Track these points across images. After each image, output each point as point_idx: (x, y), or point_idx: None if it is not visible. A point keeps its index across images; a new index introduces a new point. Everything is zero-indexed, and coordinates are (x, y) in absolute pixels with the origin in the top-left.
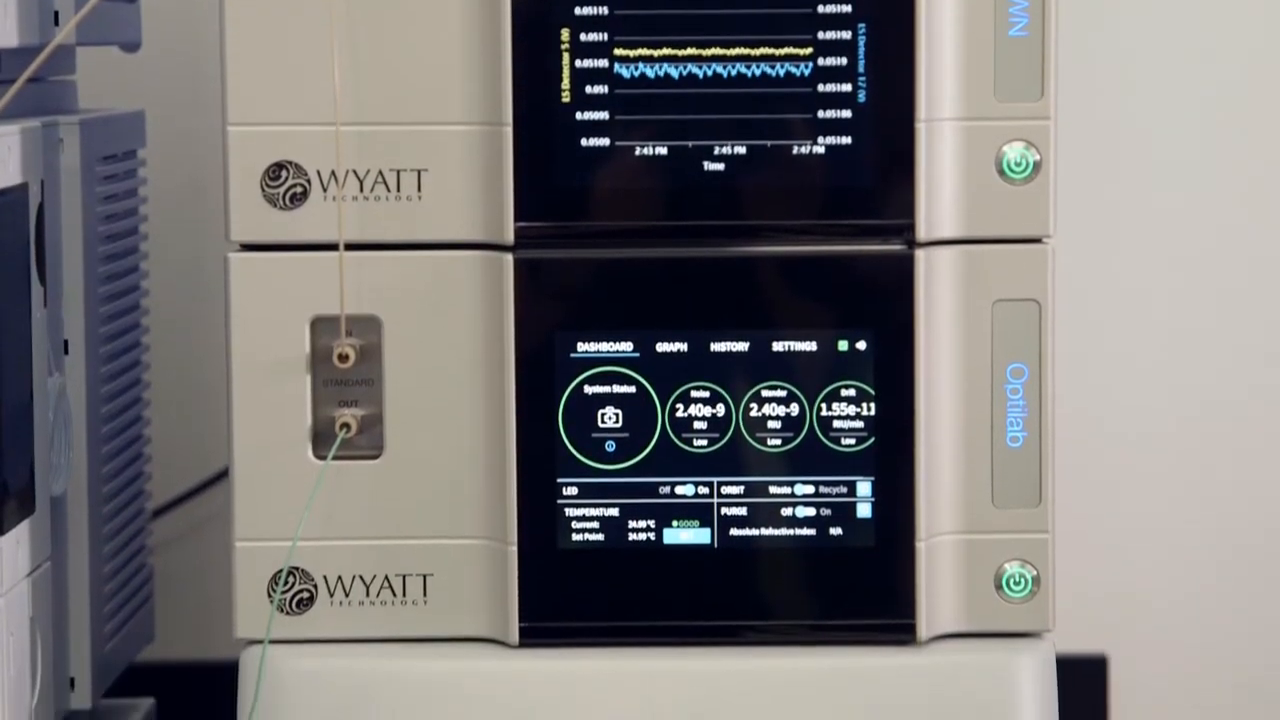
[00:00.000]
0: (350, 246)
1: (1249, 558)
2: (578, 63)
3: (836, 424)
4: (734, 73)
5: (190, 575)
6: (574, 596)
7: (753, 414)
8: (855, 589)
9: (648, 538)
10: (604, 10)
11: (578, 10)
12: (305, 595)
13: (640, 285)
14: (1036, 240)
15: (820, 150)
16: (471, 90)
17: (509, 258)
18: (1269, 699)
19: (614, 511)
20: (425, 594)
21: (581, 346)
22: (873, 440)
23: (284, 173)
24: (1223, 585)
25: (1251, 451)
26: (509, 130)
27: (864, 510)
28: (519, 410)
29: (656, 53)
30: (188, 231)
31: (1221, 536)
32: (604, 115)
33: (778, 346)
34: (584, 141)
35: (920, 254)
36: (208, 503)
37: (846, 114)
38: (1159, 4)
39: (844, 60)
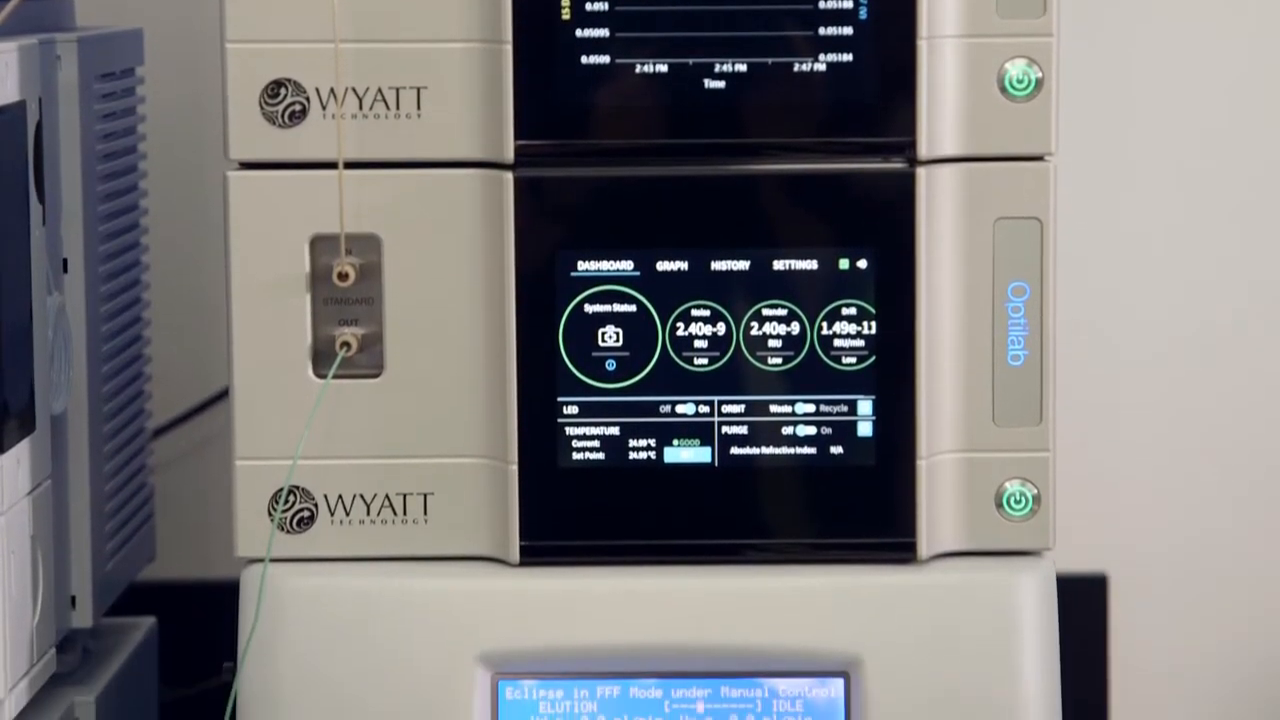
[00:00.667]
0: (349, 165)
1: (1250, 476)
2: None
3: (837, 343)
4: None
5: (191, 495)
6: (574, 515)
7: (753, 333)
8: (856, 507)
9: (648, 456)
10: None
11: None
12: (306, 514)
13: (641, 204)
14: (1038, 158)
15: (821, 68)
16: (471, 7)
17: (509, 176)
18: (1269, 618)
19: (614, 430)
20: (426, 513)
21: (582, 265)
22: (873, 359)
23: (283, 90)
24: (1223, 504)
25: (1253, 370)
26: (509, 48)
27: (864, 429)
28: (519, 329)
29: None
30: (187, 150)
31: (1222, 455)
32: (604, 32)
33: (778, 265)
34: (584, 59)
35: (921, 172)
36: (208, 423)
37: (848, 31)
38: None
39: None
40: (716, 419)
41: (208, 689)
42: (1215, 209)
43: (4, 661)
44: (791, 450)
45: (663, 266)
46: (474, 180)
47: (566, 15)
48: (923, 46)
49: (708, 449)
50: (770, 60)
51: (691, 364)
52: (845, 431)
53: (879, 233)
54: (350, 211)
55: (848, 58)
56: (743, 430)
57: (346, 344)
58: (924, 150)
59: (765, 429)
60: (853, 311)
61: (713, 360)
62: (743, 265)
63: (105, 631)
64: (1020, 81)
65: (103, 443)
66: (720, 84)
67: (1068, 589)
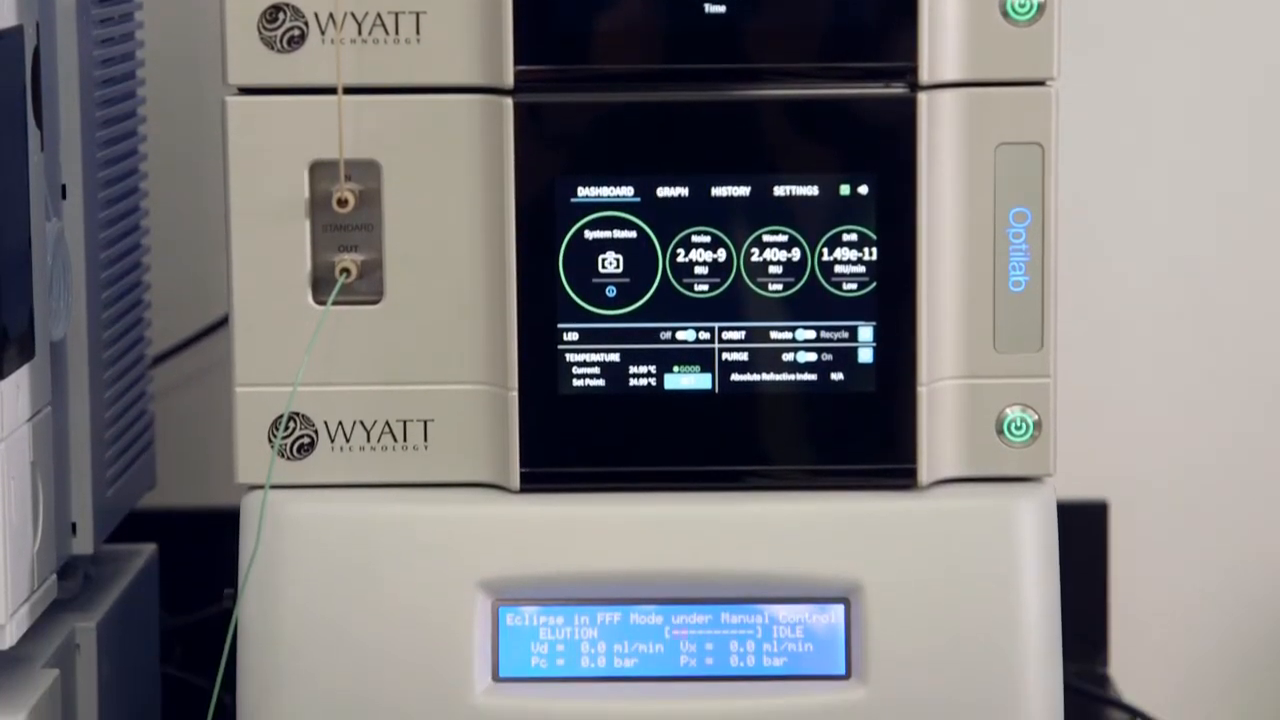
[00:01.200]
0: (349, 90)
1: (1252, 403)
2: None
3: (838, 269)
4: None
5: (191, 422)
6: (575, 442)
7: (754, 259)
8: (856, 434)
9: (648, 383)
10: None
11: None
12: (306, 441)
13: (641, 129)
14: (1040, 83)
15: None
16: None
17: (508, 101)
18: (1270, 544)
19: (615, 357)
20: (426, 439)
21: (582, 191)
22: (874, 285)
23: (281, 15)
24: (1224, 431)
25: (1257, 298)
26: None
27: (865, 355)
28: (519, 256)
29: None
30: (185, 76)
31: (1224, 382)
32: None
33: (779, 191)
34: None
35: (923, 97)
36: (208, 350)
37: None
38: None
39: None
40: (717, 345)
41: (208, 616)
42: (1220, 136)
43: (5, 587)
44: (792, 376)
45: (663, 192)
46: (473, 106)
47: None
48: None
49: (708, 375)
50: None
51: (692, 290)
52: (846, 358)
53: (880, 158)
54: (349, 137)
55: None
56: (743, 357)
57: (346, 270)
58: (925, 75)
59: (766, 355)
60: (853, 238)
61: (713, 286)
62: (743, 191)
63: (106, 558)
64: (1022, 6)
65: (102, 369)
66: (720, 8)
67: (1068, 516)
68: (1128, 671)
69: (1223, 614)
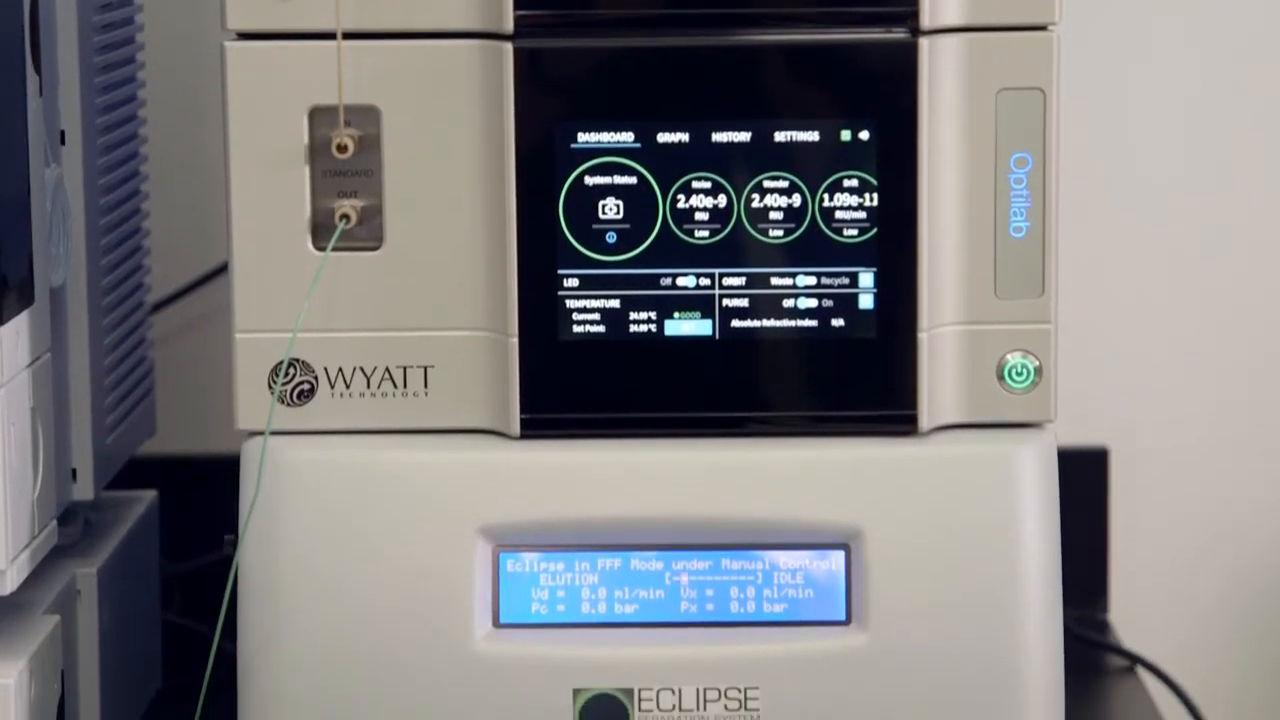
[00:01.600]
0: (348, 35)
1: (1254, 350)
2: None
3: (838, 215)
4: None
5: (191, 369)
6: (575, 388)
7: (754, 205)
8: (857, 380)
9: (649, 329)
10: None
11: None
12: (306, 387)
13: (641, 74)
14: (1041, 28)
15: None
16: None
17: (508, 46)
18: (1272, 493)
19: (615, 303)
20: (426, 386)
21: (582, 137)
22: (875, 231)
23: None
24: (1226, 377)
25: (1260, 245)
26: None
27: (866, 301)
28: (519, 201)
29: None
30: (184, 21)
31: (1226, 328)
32: None
33: (779, 136)
34: None
35: (924, 42)
36: (208, 297)
37: None
38: None
39: None
40: (717, 291)
41: (208, 562)
42: (1225, 83)
43: (5, 533)
44: (792, 323)
45: (663, 138)
46: (473, 51)
47: None
48: None
49: (708, 321)
50: None
51: (692, 236)
52: (846, 304)
53: (881, 104)
54: (349, 83)
55: None
56: (743, 303)
57: (346, 216)
58: (926, 20)
59: (766, 301)
60: (854, 183)
61: (713, 232)
62: (744, 137)
63: (106, 505)
64: None
65: (102, 316)
66: None
67: (1068, 463)
68: (1127, 618)
69: (1224, 562)
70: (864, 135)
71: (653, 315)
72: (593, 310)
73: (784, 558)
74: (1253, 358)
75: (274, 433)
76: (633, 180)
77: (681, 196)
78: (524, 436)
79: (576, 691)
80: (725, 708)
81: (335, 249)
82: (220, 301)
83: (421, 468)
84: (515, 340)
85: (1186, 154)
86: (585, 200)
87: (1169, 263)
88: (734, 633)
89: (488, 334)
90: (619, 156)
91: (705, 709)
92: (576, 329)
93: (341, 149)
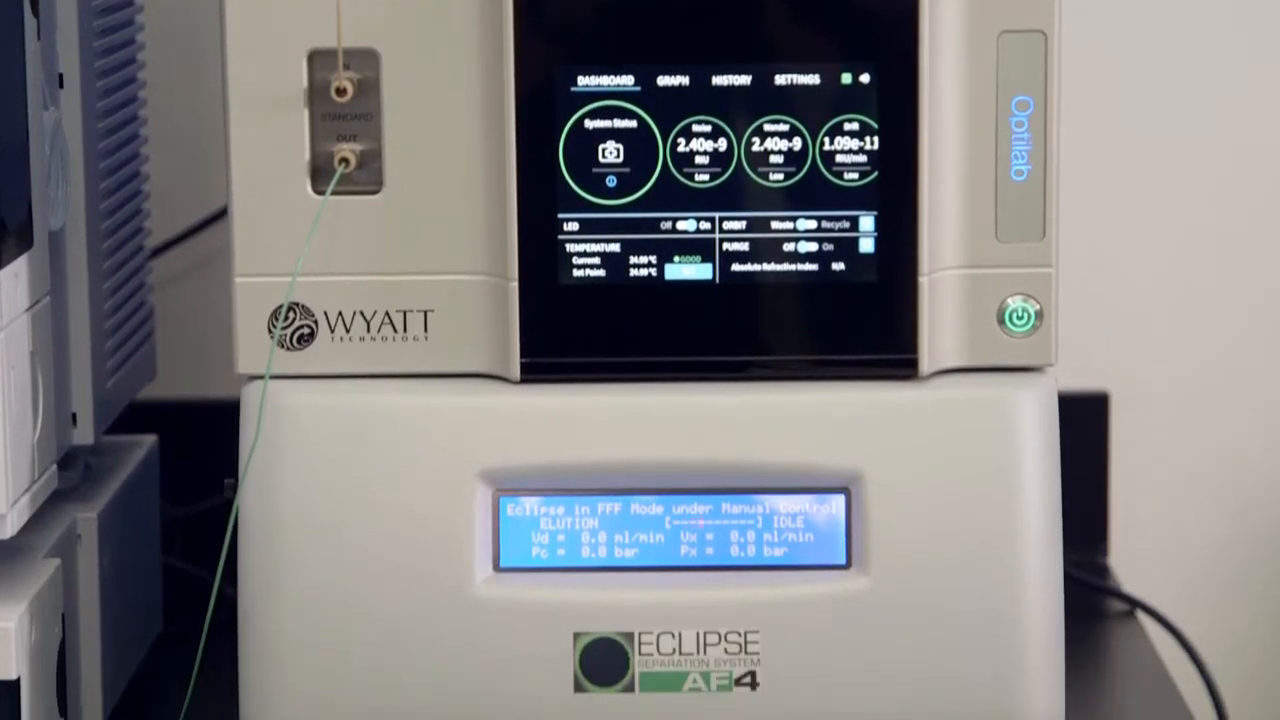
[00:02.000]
0: None
1: (1256, 292)
2: None
3: (839, 158)
4: None
5: (191, 314)
6: (575, 332)
7: (755, 148)
8: (857, 324)
9: (649, 273)
10: None
11: None
12: (306, 331)
13: (641, 18)
14: None
15: None
16: None
17: None
18: (1273, 437)
19: (615, 247)
20: (426, 330)
21: (582, 80)
22: (876, 174)
23: None
24: (1228, 321)
25: (1262, 186)
26: None
27: (866, 245)
28: (519, 145)
29: None
30: None
31: (1228, 271)
32: None
33: (780, 80)
34: None
35: None
36: (207, 242)
37: None
38: None
39: None
40: (718, 235)
41: (209, 507)
42: (1226, 18)
43: (5, 477)
44: (793, 267)
45: (663, 81)
46: None
47: None
48: None
49: (709, 265)
50: None
51: (692, 180)
52: (847, 248)
53: (881, 47)
54: (348, 25)
55: None
56: (744, 247)
57: (345, 160)
58: None
59: (766, 245)
60: (855, 127)
61: (714, 176)
62: (744, 80)
63: (106, 449)
64: None
65: (101, 260)
66: None
67: (1069, 407)
68: (1127, 562)
69: (1224, 506)
70: (865, 78)
71: (653, 259)
72: (593, 254)
73: (784, 502)
74: (1256, 302)
75: (274, 377)
76: (633, 124)
77: (682, 140)
78: (524, 381)
79: (577, 635)
80: (725, 651)
81: (334, 193)
82: (220, 246)
83: (421, 412)
84: (515, 284)
85: (1190, 97)
86: (585, 144)
87: (1172, 207)
88: (734, 577)
89: (487, 278)
90: (619, 100)
91: (705, 652)
92: (576, 273)
93: (340, 92)
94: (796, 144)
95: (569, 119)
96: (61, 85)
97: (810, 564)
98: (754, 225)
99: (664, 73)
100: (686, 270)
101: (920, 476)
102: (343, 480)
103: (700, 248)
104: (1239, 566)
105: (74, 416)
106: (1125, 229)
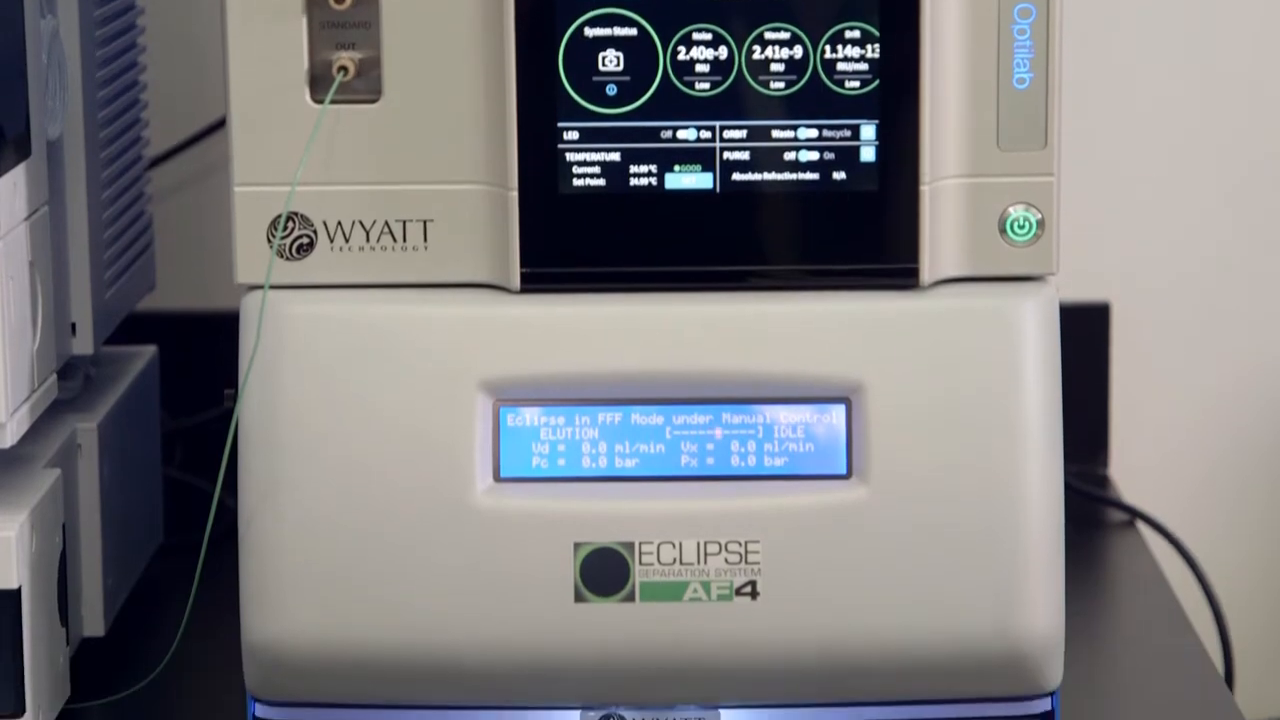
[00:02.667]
0: None
1: (1257, 204)
2: None
3: (840, 66)
4: None
5: (190, 226)
6: (575, 242)
7: (755, 56)
8: (858, 233)
9: (649, 183)
10: None
11: None
12: (305, 241)
13: None
14: None
15: None
16: None
17: None
18: (1273, 348)
19: (615, 156)
20: (425, 239)
21: None
22: (877, 83)
23: None
24: (1228, 232)
25: (1262, 92)
26: None
27: (868, 154)
28: (519, 53)
29: None
30: None
31: (1229, 182)
32: None
33: None
34: None
35: None
36: (206, 153)
37: None
38: None
39: None
40: (718, 144)
41: (209, 418)
42: None
43: (4, 386)
44: (793, 176)
45: None
46: None
47: None
48: None
49: (709, 175)
50: None
51: (693, 89)
52: (848, 156)
53: None
54: None
55: None
56: (744, 156)
57: (344, 68)
58: None
59: (767, 154)
60: (856, 34)
61: (714, 85)
62: None
63: (106, 360)
64: None
65: (100, 169)
66: None
67: (1070, 318)
68: (1128, 473)
69: (1225, 417)
70: None
71: (653, 169)
72: (593, 164)
73: (784, 412)
74: (1258, 213)
75: (273, 287)
76: (633, 32)
77: (682, 48)
78: (524, 291)
79: (577, 545)
80: (726, 561)
81: (333, 102)
82: (219, 157)
83: (421, 322)
84: (515, 194)
85: (1192, 7)
86: (585, 52)
87: (1175, 116)
88: (734, 486)
89: (487, 187)
90: (619, 7)
91: (705, 562)
92: (576, 182)
93: (339, 0)
94: (797, 52)
95: (569, 27)
96: None
97: (810, 474)
98: (754, 134)
99: None
100: (687, 179)
101: (921, 386)
102: (342, 390)
103: (701, 157)
104: (1239, 477)
105: (73, 327)
106: (1128, 137)
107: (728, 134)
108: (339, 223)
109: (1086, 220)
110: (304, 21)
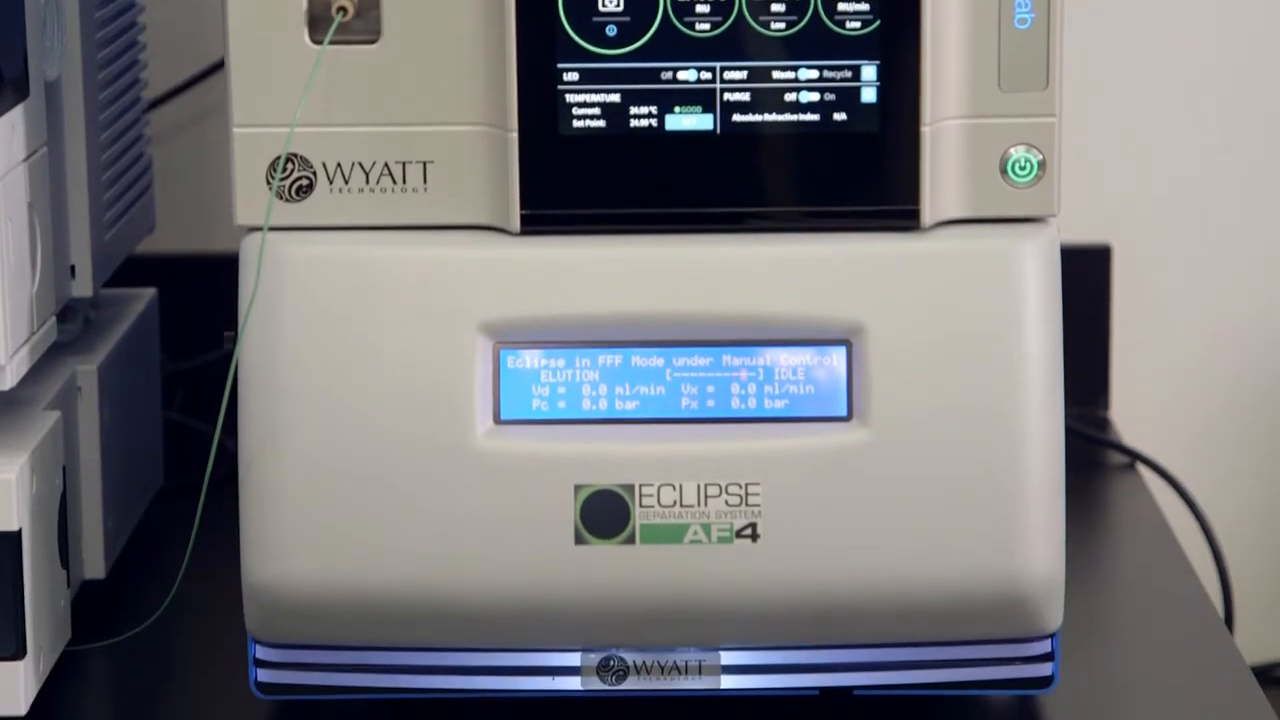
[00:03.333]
0: None
1: (1260, 147)
2: None
3: (841, 7)
4: None
5: (190, 168)
6: (575, 183)
7: None
8: (859, 175)
9: (650, 124)
10: None
11: None
12: (304, 182)
13: None
14: None
15: None
16: None
17: None
18: (1274, 291)
19: (615, 97)
20: (425, 181)
21: None
22: (878, 23)
23: None
24: (1230, 175)
25: (1264, 34)
26: None
27: (869, 95)
28: None
29: None
30: None
31: (1231, 124)
32: None
33: None
34: None
35: None
36: (205, 94)
37: None
38: None
39: None
40: (719, 85)
41: (208, 361)
42: None
43: (4, 328)
44: (794, 117)
45: None
46: None
47: None
48: None
49: (710, 116)
50: None
51: (693, 29)
52: (849, 98)
53: None
54: None
55: None
56: (745, 97)
57: (343, 9)
58: None
59: (768, 95)
60: None
61: (715, 25)
62: None
63: (106, 303)
64: None
65: (98, 111)
66: None
67: (1071, 260)
68: (1128, 416)
69: (1226, 359)
70: None
71: (653, 110)
72: (593, 105)
73: (785, 354)
74: (1261, 153)
75: (273, 228)
76: None
77: None
78: (524, 232)
79: (577, 487)
80: (726, 503)
81: (332, 42)
82: (218, 99)
83: (421, 264)
84: (515, 135)
85: None
86: None
87: (1177, 57)
88: (735, 429)
89: (487, 129)
90: None
91: (706, 504)
92: (576, 123)
93: None
94: None
95: None
96: None
97: (811, 416)
98: (755, 75)
99: None
100: (687, 121)
101: (921, 328)
102: (342, 332)
103: (701, 98)
104: (1240, 419)
105: (72, 269)
106: (1130, 78)
107: (728, 75)
108: (338, 164)
109: (1088, 162)
110: None
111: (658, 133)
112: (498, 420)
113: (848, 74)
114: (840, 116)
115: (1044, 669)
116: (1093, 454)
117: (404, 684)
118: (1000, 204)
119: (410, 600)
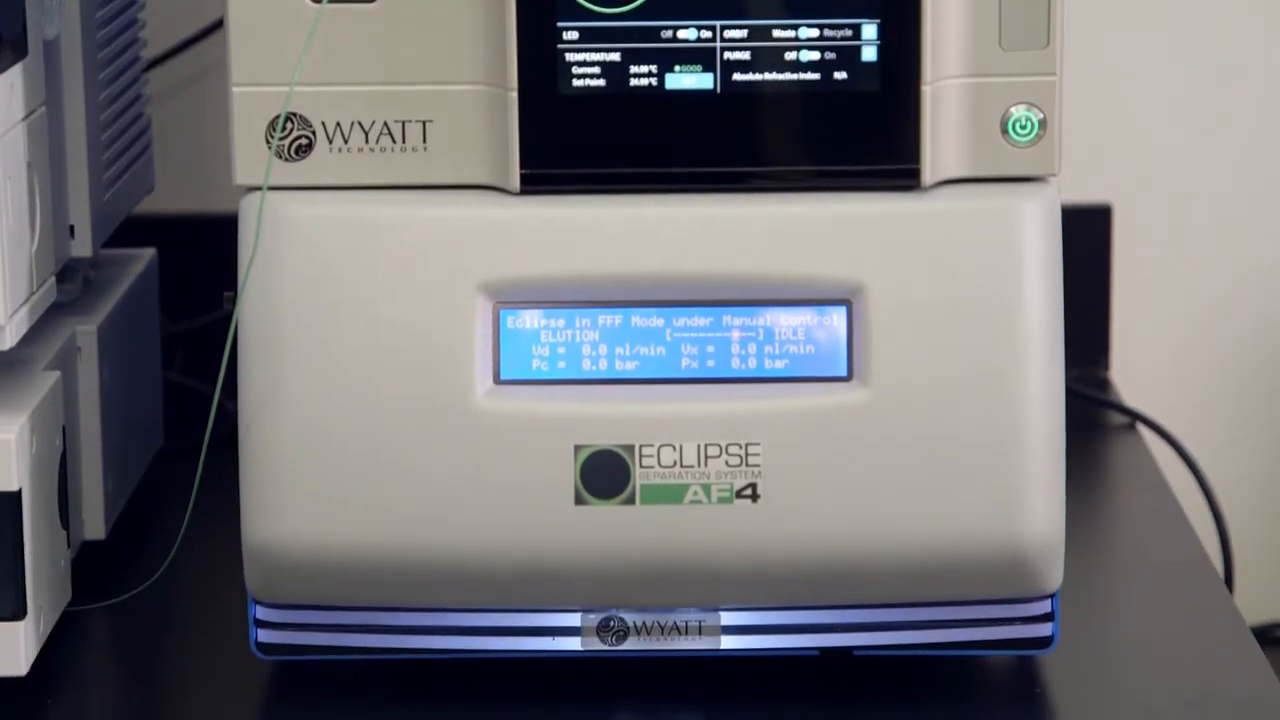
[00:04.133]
0: None
1: (1261, 105)
2: None
3: None
4: None
5: (189, 128)
6: (575, 143)
7: None
8: (859, 134)
9: (650, 83)
10: None
11: None
12: (304, 142)
13: None
14: None
15: None
16: None
17: None
18: (1274, 246)
19: (615, 56)
20: (425, 141)
21: None
22: None
23: None
24: (1232, 134)
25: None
26: None
27: (869, 53)
28: None
29: None
30: None
31: (1232, 84)
32: None
33: None
34: None
35: None
36: (204, 54)
37: None
38: None
39: None
40: (719, 44)
41: (208, 321)
42: None
43: (3, 288)
44: (795, 76)
45: None
46: None
47: None
48: None
49: (710, 75)
50: None
51: None
52: (849, 56)
53: None
54: None
55: None
56: (745, 56)
57: None
58: None
59: (768, 54)
60: None
61: None
62: None
63: (105, 263)
64: None
65: (97, 70)
66: None
67: (1072, 220)
68: (1128, 376)
69: (1226, 320)
70: None
71: (653, 69)
72: (593, 64)
73: (785, 314)
74: (1262, 115)
75: (272, 188)
76: None
77: None
78: (524, 192)
79: (577, 447)
80: (726, 463)
81: (331, 1)
82: (217, 59)
83: (421, 223)
84: (515, 94)
85: None
86: None
87: (1180, 17)
88: (735, 389)
89: (487, 88)
90: None
91: (706, 464)
92: (576, 83)
93: None
94: None
95: None
96: None
97: (811, 376)
98: (755, 34)
99: None
100: (687, 80)
101: (921, 288)
102: (342, 292)
103: (701, 57)
104: (1241, 379)
105: (71, 229)
106: (1131, 37)
107: (728, 34)
108: (338, 123)
109: (1089, 121)
110: None
111: (658, 92)
112: (497, 380)
113: (848, 32)
114: (841, 75)
115: (1044, 629)
116: (1093, 414)
117: (404, 644)
118: (1001, 163)
119: (410, 561)
